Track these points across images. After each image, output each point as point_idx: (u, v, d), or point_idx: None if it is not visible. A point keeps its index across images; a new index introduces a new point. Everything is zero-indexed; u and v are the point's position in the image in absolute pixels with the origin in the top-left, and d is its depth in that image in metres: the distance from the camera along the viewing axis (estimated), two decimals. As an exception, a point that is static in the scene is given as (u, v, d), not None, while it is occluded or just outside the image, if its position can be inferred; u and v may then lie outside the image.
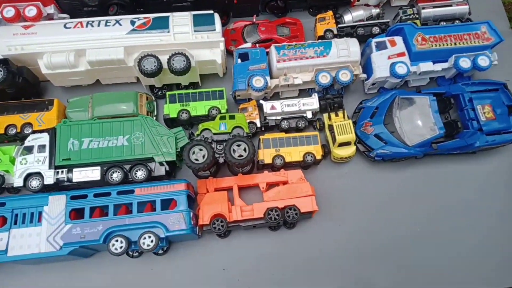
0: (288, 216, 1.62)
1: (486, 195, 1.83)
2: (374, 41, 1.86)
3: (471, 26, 1.88)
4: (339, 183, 1.83)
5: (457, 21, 2.02)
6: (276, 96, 1.92)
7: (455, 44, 1.84)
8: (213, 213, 1.62)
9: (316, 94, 1.84)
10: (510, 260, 1.73)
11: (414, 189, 1.81)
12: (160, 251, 1.67)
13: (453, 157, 1.85)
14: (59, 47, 1.71)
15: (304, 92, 1.96)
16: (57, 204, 1.54)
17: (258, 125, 1.81)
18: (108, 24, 1.76)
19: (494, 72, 1.94)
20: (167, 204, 1.60)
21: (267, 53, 1.86)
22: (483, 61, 1.81)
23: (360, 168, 1.86)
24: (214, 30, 1.80)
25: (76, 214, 1.55)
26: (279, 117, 1.83)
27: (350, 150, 1.76)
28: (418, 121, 1.76)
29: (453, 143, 1.75)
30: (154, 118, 1.82)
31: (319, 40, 1.88)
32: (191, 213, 1.60)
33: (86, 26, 1.75)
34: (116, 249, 1.48)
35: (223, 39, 1.79)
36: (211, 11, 1.86)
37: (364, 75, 1.89)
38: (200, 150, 1.56)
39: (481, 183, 1.84)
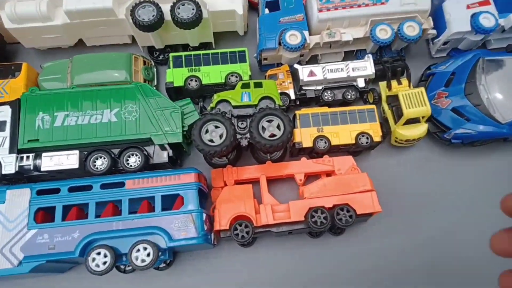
0: (339, 220, 1.13)
1: None
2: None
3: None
4: (400, 174, 1.36)
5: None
6: (313, 60, 1.46)
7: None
8: (234, 214, 1.16)
9: (370, 55, 1.37)
10: None
11: (507, 182, 1.33)
12: (162, 265, 1.23)
13: None
14: (27, -8, 1.29)
15: (350, 55, 1.49)
16: (17, 202, 1.11)
17: (292, 97, 1.36)
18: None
19: None
20: (171, 202, 1.16)
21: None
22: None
23: (429, 155, 1.39)
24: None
25: (44, 216, 1.12)
26: (319, 87, 1.37)
27: (420, 129, 1.29)
28: (514, 87, 1.29)
29: None
30: (154, 88, 1.38)
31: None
32: (204, 215, 1.15)
33: (64, -34, 1.32)
34: (97, 265, 1.04)
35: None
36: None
37: (434, 31, 1.41)
38: (216, 127, 1.12)
39: None
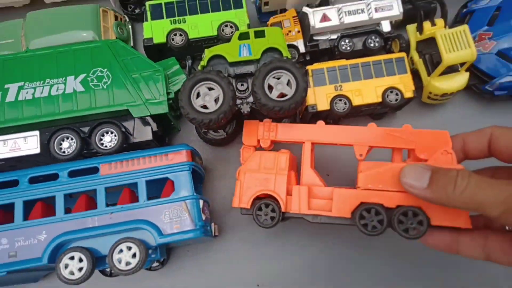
0: (403, 231, 0.77)
1: None
2: None
3: None
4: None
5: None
6: (325, 2, 1.19)
7: None
8: (259, 191, 0.88)
9: (394, -9, 1.11)
10: None
11: None
12: (156, 264, 1.02)
13: None
14: None
15: None
16: (-36, 200, 0.88)
17: (302, 49, 1.11)
18: None
19: None
20: (158, 188, 0.92)
21: None
22: None
23: (469, 112, 1.16)
24: None
25: (1, 216, 0.90)
26: (335, 35, 1.11)
27: (460, 79, 1.05)
28: None
29: None
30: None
31: None
32: (201, 201, 0.92)
33: None
34: (71, 273, 0.82)
35: None
36: None
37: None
38: (210, 89, 0.87)
39: None
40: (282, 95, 0.89)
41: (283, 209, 0.86)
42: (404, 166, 0.72)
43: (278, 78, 0.89)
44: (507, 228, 0.69)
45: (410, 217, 0.76)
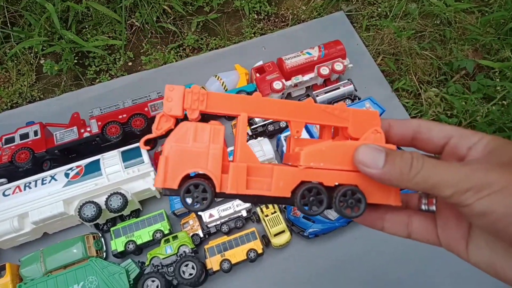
0: (341, 204, 0.67)
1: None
2: (282, 136, 2.16)
3: (358, 104, 2.25)
4: (285, 265, 2.03)
5: (347, 100, 2.39)
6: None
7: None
8: (189, 170, 0.67)
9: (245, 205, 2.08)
10: None
11: (357, 251, 2.05)
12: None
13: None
14: (1, 216, 1.85)
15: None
16: None
17: (201, 235, 2.00)
18: (44, 182, 1.93)
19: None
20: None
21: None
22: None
23: (302, 247, 2.08)
24: (143, 162, 2.02)
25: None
26: (218, 222, 2.03)
27: (285, 236, 1.99)
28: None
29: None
30: (104, 254, 1.96)
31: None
32: None
33: (24, 189, 1.91)
34: None
35: (152, 168, 2.01)
36: (138, 144, 2.09)
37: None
38: (153, 281, 1.72)
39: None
40: (190, 274, 1.75)
41: (217, 190, 0.69)
42: (359, 145, 0.64)
43: (186, 265, 1.76)
44: (425, 208, 0.69)
45: (350, 196, 0.69)
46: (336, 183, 0.68)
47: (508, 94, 2.57)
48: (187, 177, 0.66)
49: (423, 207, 0.69)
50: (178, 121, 0.70)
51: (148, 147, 0.75)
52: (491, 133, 2.47)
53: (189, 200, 0.65)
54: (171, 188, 0.65)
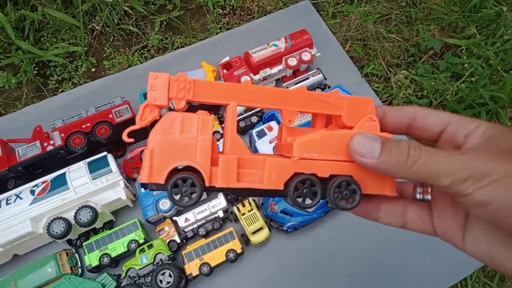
0: (335, 196, 0.66)
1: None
2: (254, 132, 2.12)
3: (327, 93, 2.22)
4: (266, 262, 2.00)
5: (318, 89, 2.37)
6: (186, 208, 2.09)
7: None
8: (176, 163, 0.63)
9: (221, 193, 2.04)
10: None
11: (337, 239, 2.04)
12: None
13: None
14: (-35, 242, 1.76)
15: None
16: None
17: (178, 240, 1.96)
18: (9, 202, 1.85)
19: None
20: None
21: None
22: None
23: (282, 242, 2.06)
24: (111, 171, 1.95)
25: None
26: (195, 226, 1.99)
27: (264, 233, 1.96)
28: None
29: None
30: (80, 270, 1.90)
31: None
32: None
33: (-12, 211, 1.82)
34: None
35: (121, 177, 1.95)
36: (104, 153, 2.02)
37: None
38: (128, 293, 1.67)
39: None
40: (168, 282, 1.71)
41: (207, 183, 0.65)
42: (354, 134, 0.62)
43: (163, 274, 1.72)
44: (420, 197, 0.67)
45: (344, 187, 0.66)
46: (330, 174, 0.66)
47: (476, 71, 2.59)
48: (174, 171, 0.62)
49: (418, 196, 0.68)
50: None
51: (132, 140, 0.70)
52: (462, 111, 2.49)
53: (177, 196, 0.63)
54: (158, 183, 0.62)
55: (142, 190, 1.99)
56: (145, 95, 2.24)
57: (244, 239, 1.98)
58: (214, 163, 0.64)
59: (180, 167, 0.64)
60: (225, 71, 2.37)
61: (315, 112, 0.73)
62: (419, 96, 2.57)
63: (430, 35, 2.79)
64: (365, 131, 0.66)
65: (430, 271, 2.01)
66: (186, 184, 0.61)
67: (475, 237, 0.58)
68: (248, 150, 0.68)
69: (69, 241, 1.99)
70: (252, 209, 1.97)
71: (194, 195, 0.62)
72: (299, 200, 0.67)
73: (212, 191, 0.65)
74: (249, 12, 3.05)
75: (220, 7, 3.01)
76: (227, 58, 2.45)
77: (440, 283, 2.00)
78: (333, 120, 0.75)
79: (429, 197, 0.67)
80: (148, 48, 2.81)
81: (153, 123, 0.67)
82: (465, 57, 2.69)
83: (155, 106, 0.65)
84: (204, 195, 2.12)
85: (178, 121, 0.64)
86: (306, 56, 2.41)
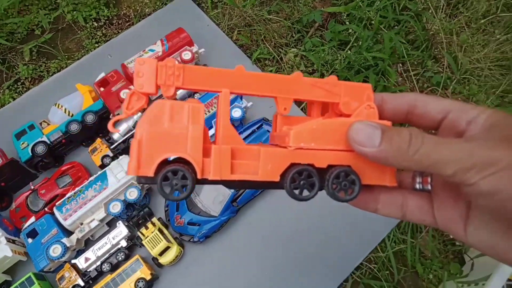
0: (334, 187, 0.62)
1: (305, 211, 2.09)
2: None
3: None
4: (185, 278, 1.91)
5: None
6: (89, 243, 1.93)
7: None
8: (166, 155, 0.57)
9: (120, 222, 1.90)
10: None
11: (253, 234, 1.99)
12: None
13: (257, 197, 2.07)
14: None
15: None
16: None
17: (82, 284, 1.80)
18: None
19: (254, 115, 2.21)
20: None
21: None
22: (236, 113, 2.07)
23: (198, 253, 1.97)
24: (-12, 230, 1.74)
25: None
26: (98, 263, 1.84)
27: (173, 251, 1.86)
28: (212, 190, 1.94)
29: (246, 193, 1.96)
30: None
31: (93, 177, 1.95)
32: None
33: None
34: None
35: (1, 233, 1.74)
36: (-21, 212, 1.80)
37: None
38: None
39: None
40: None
41: (199, 176, 0.60)
42: (352, 122, 0.59)
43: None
44: (420, 187, 0.65)
45: (343, 178, 0.63)
46: (328, 164, 0.63)
47: (360, 35, 2.62)
48: (164, 163, 0.58)
49: (417, 186, 0.65)
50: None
51: (118, 130, 0.61)
52: (353, 77, 2.52)
53: (167, 189, 0.58)
54: (147, 176, 0.57)
55: (29, 240, 1.80)
56: (16, 135, 2.02)
57: (156, 262, 1.86)
58: (206, 154, 0.59)
59: (170, 159, 0.60)
60: (102, 89, 2.20)
61: (311, 100, 0.69)
62: (310, 71, 2.56)
63: (311, 7, 2.79)
64: (363, 119, 0.63)
65: (350, 241, 2.03)
66: (177, 176, 0.57)
67: (477, 228, 0.57)
68: (242, 139, 0.64)
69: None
70: (153, 231, 1.85)
71: (185, 188, 0.58)
72: (296, 192, 0.63)
73: (204, 184, 0.61)
74: (127, 19, 2.87)
75: (93, 20, 2.80)
76: (102, 75, 2.27)
77: (363, 249, 2.03)
78: (329, 108, 0.72)
79: (428, 187, 0.64)
80: (22, 81, 2.55)
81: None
82: (347, 23, 2.73)
83: (143, 94, 0.60)
84: (105, 227, 1.98)
85: (167, 110, 0.59)
86: (187, 55, 2.30)
